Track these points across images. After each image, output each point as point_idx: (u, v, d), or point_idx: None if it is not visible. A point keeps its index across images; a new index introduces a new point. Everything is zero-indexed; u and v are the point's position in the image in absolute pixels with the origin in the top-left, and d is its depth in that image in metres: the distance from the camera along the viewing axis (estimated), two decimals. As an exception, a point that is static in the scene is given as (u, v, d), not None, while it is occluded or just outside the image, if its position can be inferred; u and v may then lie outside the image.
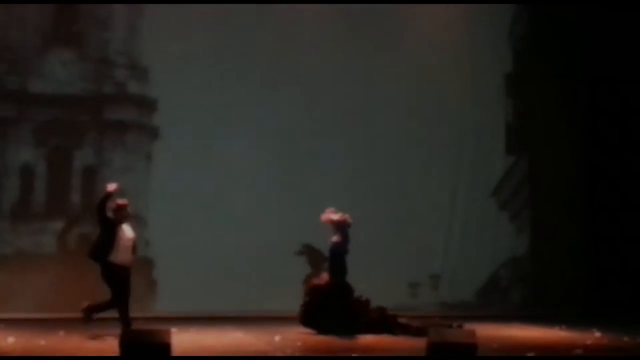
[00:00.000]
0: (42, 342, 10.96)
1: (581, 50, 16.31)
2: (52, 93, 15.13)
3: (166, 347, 8.36)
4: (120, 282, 11.48)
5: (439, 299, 15.93)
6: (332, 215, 12.48)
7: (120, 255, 11.49)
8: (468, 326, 10.91)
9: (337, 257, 12.41)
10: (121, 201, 11.79)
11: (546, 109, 16.31)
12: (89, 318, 11.42)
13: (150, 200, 15.13)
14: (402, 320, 12.19)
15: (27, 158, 15.04)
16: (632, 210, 15.97)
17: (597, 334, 12.10)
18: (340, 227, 12.44)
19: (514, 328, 13.13)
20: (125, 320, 11.39)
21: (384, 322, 12.12)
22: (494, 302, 16.01)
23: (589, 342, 11.32)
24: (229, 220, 15.32)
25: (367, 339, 11.53)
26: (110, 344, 10.07)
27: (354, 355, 9.75)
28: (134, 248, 11.70)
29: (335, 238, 12.46)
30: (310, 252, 15.38)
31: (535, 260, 16.18)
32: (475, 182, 16.14)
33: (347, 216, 12.52)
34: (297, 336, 11.62)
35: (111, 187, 11.57)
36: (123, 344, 8.49)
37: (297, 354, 9.86)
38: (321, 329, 11.96)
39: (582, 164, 16.28)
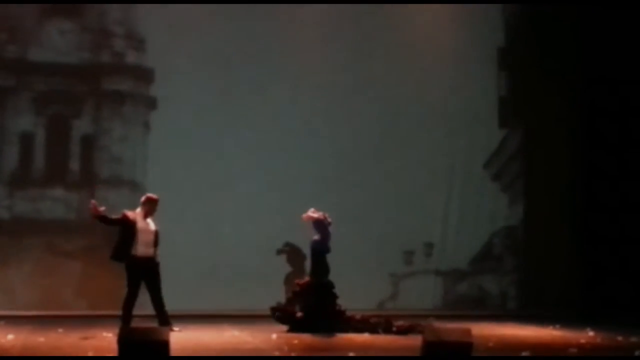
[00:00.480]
0: (41, 339, 11.02)
1: (574, 40, 16.49)
2: (51, 62, 15.29)
3: (164, 344, 8.40)
4: (136, 280, 11.63)
5: (433, 266, 15.99)
6: (312, 213, 12.54)
7: (141, 249, 11.67)
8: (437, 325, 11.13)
9: (318, 256, 12.47)
10: (153, 195, 11.95)
11: (539, 82, 16.38)
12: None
13: (148, 168, 15.28)
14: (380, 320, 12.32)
15: (26, 126, 15.20)
16: (629, 210, 16.05)
17: (591, 334, 12.17)
18: (321, 226, 12.50)
19: (509, 327, 13.21)
20: (125, 318, 11.50)
21: (358, 320, 12.24)
22: (487, 270, 16.06)
23: (582, 341, 11.40)
24: (227, 193, 15.48)
25: (363, 338, 11.62)
26: (109, 342, 10.14)
27: (351, 354, 9.81)
28: (156, 240, 11.83)
29: (315, 237, 12.53)
30: (290, 251, 15.43)
31: (527, 229, 16.32)
32: (469, 154, 16.26)
33: (326, 215, 12.58)
34: (294, 334, 11.69)
35: (94, 210, 11.60)
36: (121, 342, 8.53)
37: (294, 353, 9.91)
38: (302, 328, 12.00)
39: (577, 137, 16.40)
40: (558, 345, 11.06)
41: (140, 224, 11.72)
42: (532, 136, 16.47)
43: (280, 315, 12.30)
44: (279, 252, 15.57)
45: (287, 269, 15.44)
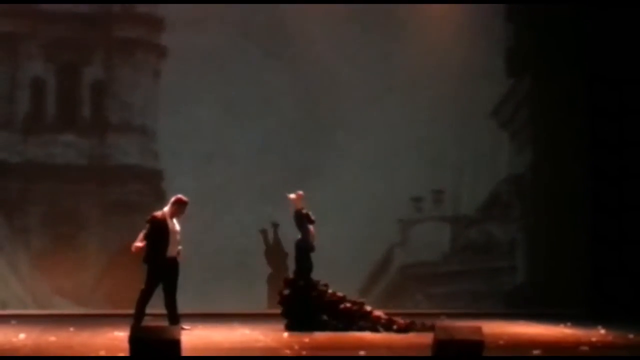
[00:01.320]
0: (52, 338, 11.05)
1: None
2: (62, 10, 15.25)
3: (176, 343, 8.41)
4: (158, 280, 11.72)
5: (441, 213, 16.07)
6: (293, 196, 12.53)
7: (171, 249, 11.79)
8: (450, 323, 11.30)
9: (302, 255, 12.45)
10: (184, 197, 12.00)
11: (547, 32, 16.33)
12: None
13: (158, 114, 15.40)
14: (381, 315, 12.35)
15: (37, 73, 15.24)
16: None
17: (602, 331, 12.15)
18: (301, 223, 12.47)
19: (520, 325, 13.20)
20: (138, 315, 11.54)
21: (359, 317, 12.24)
22: (495, 217, 16.20)
23: (594, 339, 11.38)
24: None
25: (373, 336, 11.63)
26: (120, 340, 10.16)
27: (361, 352, 9.82)
28: (179, 240, 11.93)
29: (300, 235, 12.52)
30: (272, 248, 15.28)
31: (535, 176, 16.31)
32: (477, 101, 16.18)
33: (300, 194, 12.52)
34: (305, 333, 11.69)
35: (137, 249, 11.79)
36: (132, 340, 8.54)
37: (304, 351, 9.92)
38: (293, 325, 12.04)
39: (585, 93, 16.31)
40: (569, 343, 11.04)
41: (169, 223, 11.79)
42: (540, 84, 16.44)
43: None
44: (262, 230, 15.40)
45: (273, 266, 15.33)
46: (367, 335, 11.64)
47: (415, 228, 15.94)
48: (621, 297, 15.43)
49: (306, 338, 11.14)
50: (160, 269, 11.67)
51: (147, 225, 11.82)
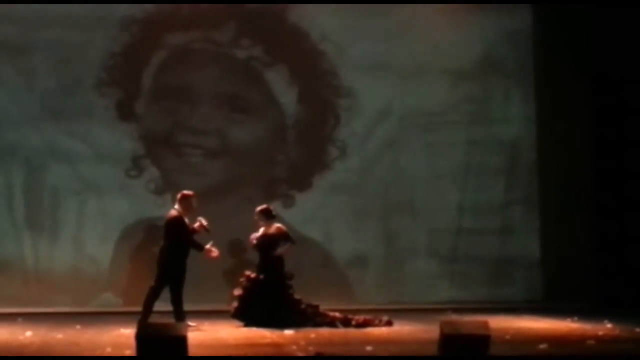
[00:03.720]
0: (59, 335, 11.08)
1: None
2: None
3: (182, 340, 8.43)
4: (170, 278, 11.69)
5: (444, 67, 16.00)
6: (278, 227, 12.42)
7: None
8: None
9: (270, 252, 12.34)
10: (188, 192, 11.94)
11: None
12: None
13: None
14: (336, 315, 12.28)
15: None
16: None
17: (609, 325, 12.14)
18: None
19: (526, 320, 13.19)
20: (146, 312, 11.57)
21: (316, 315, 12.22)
22: (491, 72, 16.17)
23: (600, 333, 11.37)
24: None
25: (380, 331, 11.65)
26: (126, 337, 10.18)
27: (368, 348, 9.84)
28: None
29: (260, 233, 12.38)
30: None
31: (537, 35, 16.24)
32: None
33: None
34: (311, 329, 11.71)
35: (214, 254, 11.79)
36: (139, 337, 8.56)
37: (311, 347, 9.92)
38: (254, 322, 12.01)
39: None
40: (575, 337, 11.04)
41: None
42: None
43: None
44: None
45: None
46: (374, 331, 11.68)
47: (413, 80, 15.95)
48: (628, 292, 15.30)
49: (312, 334, 11.16)
50: (175, 269, 11.66)
51: (169, 226, 11.75)
